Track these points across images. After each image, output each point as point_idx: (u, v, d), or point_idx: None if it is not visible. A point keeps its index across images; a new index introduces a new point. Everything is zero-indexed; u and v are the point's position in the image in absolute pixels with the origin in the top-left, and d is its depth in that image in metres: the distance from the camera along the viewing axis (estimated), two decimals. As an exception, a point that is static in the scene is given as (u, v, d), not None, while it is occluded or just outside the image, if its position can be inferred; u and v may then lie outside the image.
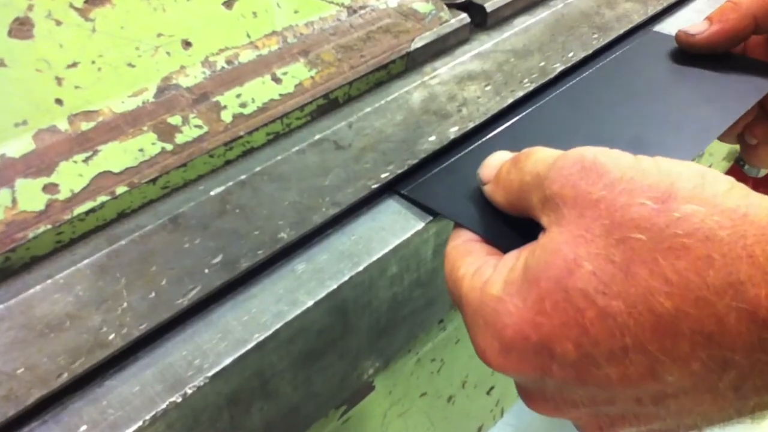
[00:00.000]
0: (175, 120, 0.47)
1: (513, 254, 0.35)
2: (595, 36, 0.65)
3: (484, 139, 0.52)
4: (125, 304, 0.38)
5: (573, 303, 0.29)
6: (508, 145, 0.47)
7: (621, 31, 0.66)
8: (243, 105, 0.50)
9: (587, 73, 0.60)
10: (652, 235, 0.28)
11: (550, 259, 0.31)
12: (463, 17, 0.62)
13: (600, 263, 0.29)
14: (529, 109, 0.55)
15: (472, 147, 0.51)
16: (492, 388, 0.91)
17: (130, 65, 0.47)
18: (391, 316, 0.49)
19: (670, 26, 0.70)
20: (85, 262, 0.41)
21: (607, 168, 0.31)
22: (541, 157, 0.35)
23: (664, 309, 0.27)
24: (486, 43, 0.63)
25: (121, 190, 0.44)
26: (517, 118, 0.54)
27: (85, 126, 0.44)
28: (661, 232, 0.28)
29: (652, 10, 0.70)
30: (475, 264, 0.37)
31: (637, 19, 0.68)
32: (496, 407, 0.97)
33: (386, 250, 0.44)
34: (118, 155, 0.44)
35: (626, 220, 0.29)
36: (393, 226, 0.45)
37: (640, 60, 0.61)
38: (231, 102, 0.49)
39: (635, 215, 0.29)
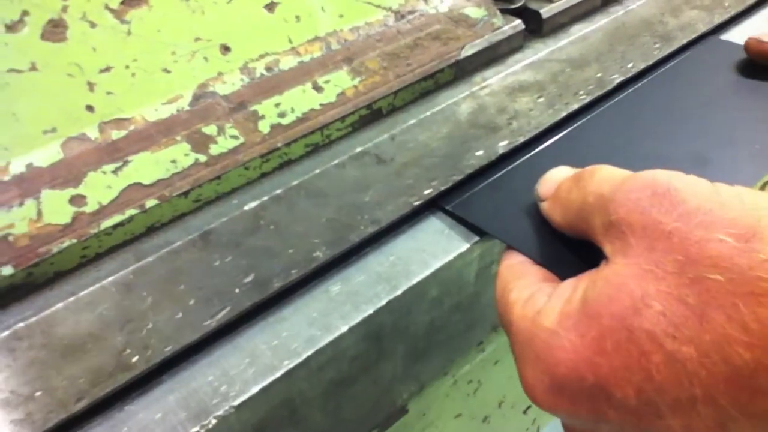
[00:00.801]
0: (210, 130, 0.45)
1: (570, 283, 0.33)
2: (657, 46, 0.61)
3: (534, 152, 0.50)
4: (150, 325, 0.37)
5: (638, 344, 0.27)
6: (560, 158, 0.45)
7: (684, 41, 0.63)
8: (282, 115, 0.48)
9: (646, 81, 0.57)
10: (732, 276, 0.26)
11: (614, 294, 0.29)
12: (517, 24, 0.60)
13: (671, 303, 0.27)
14: (583, 120, 0.53)
15: (521, 160, 0.48)
16: (529, 407, 0.89)
17: (166, 71, 0.46)
18: (428, 341, 0.47)
19: (736, 36, 0.66)
20: (111, 279, 0.39)
21: (683, 196, 0.29)
22: (606, 176, 0.33)
23: (742, 361, 0.25)
24: (540, 51, 0.61)
25: (151, 203, 0.43)
26: (570, 129, 0.52)
27: (116, 135, 0.43)
28: (742, 275, 0.26)
29: (718, 19, 0.66)
30: (528, 289, 0.35)
31: (702, 28, 0.65)
32: (533, 425, 0.95)
33: (426, 274, 0.42)
34: (150, 166, 0.43)
35: (703, 257, 0.27)
36: (434, 247, 0.43)
37: (704, 69, 0.59)
38: (269, 111, 0.48)
39: (713, 252, 0.27)
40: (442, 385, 0.63)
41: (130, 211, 0.42)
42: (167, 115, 0.45)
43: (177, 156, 0.44)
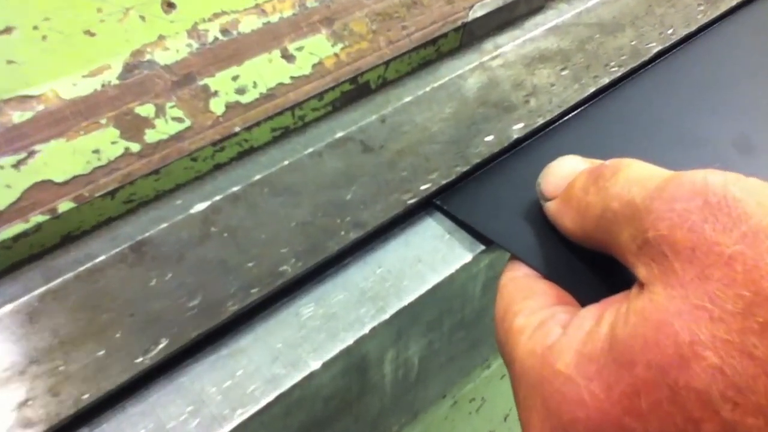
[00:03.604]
0: (146, 110, 0.42)
1: (592, 312, 0.30)
2: (702, 8, 0.58)
3: (551, 128, 0.48)
4: (62, 367, 0.33)
5: (683, 408, 0.24)
6: (580, 139, 0.46)
7: (733, 3, 0.59)
8: (241, 91, 0.45)
9: (686, 49, 0.55)
10: None
11: (653, 336, 0.26)
12: None
13: (732, 355, 0.24)
14: (611, 92, 0.51)
15: (531, 140, 0.47)
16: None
17: (88, 33, 0.41)
18: (424, 367, 0.46)
19: None
20: (10, 307, 0.36)
21: (746, 208, 0.26)
22: (636, 176, 0.31)
23: None
24: (566, 13, 0.58)
25: (65, 206, 0.39)
26: (595, 101, 0.50)
27: (18, 117, 0.39)
28: None
29: None
30: (537, 314, 0.32)
31: None
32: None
33: (422, 291, 0.39)
34: (64, 158, 0.39)
35: None
36: (432, 257, 0.41)
37: (754, 36, 0.57)
38: (224, 86, 0.44)
39: None
40: (440, 409, 0.62)
41: (37, 218, 0.38)
42: (89, 91, 0.41)
43: (101, 144, 0.40)
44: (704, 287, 0.25)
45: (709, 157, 0.45)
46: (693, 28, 0.56)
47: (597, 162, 0.35)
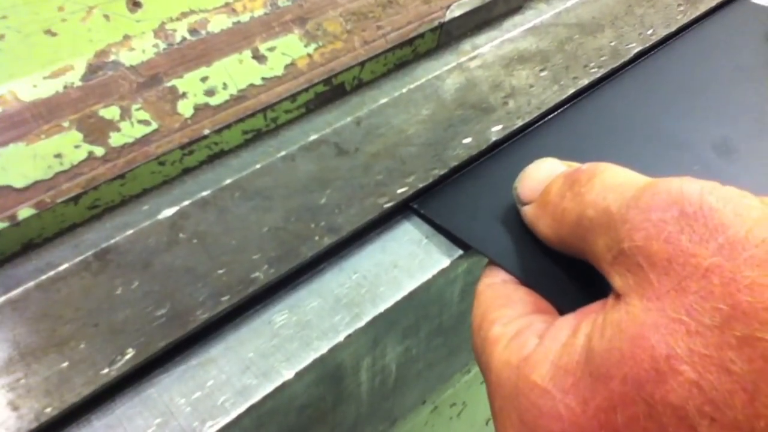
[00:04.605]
0: (110, 113, 0.41)
1: (569, 322, 0.29)
2: (681, 8, 0.58)
3: (530, 129, 0.48)
4: (23, 381, 0.33)
5: (660, 423, 0.24)
6: (560, 141, 0.45)
7: (712, 4, 0.59)
8: (210, 92, 0.44)
9: (666, 49, 0.55)
10: None
11: (629, 350, 0.25)
12: None
13: (709, 370, 0.24)
14: (591, 92, 0.51)
15: (510, 142, 0.47)
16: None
17: (49, 33, 0.41)
18: (401, 374, 0.45)
19: None
20: None
21: (723, 218, 0.25)
22: (612, 182, 0.30)
23: None
24: (545, 13, 0.58)
25: (25, 213, 0.38)
26: (575, 102, 0.50)
27: None
28: None
29: None
30: (514, 323, 0.32)
31: None
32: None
33: (398, 297, 0.38)
34: (24, 163, 0.39)
35: (757, 308, 0.23)
36: (409, 262, 0.40)
37: (733, 37, 0.57)
38: (193, 88, 0.44)
39: None
40: (420, 415, 0.61)
41: None
42: (51, 92, 0.40)
43: (64, 148, 0.39)
44: (681, 300, 0.25)
45: (688, 160, 0.44)
46: (673, 28, 0.56)
47: (574, 165, 0.34)
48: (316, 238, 0.39)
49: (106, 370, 0.33)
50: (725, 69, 0.52)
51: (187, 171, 0.44)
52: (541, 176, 0.36)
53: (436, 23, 0.53)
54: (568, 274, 0.35)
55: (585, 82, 0.50)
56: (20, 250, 0.39)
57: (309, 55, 0.48)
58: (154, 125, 0.42)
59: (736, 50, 0.54)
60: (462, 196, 0.43)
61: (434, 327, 0.44)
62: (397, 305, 0.38)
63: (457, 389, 0.64)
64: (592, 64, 0.51)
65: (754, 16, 0.58)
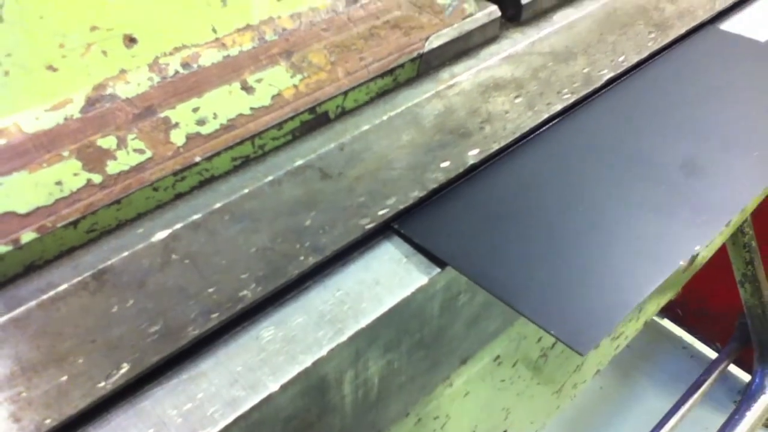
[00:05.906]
0: (107, 142, 0.42)
1: None
2: (652, 36, 0.59)
3: (506, 153, 0.48)
4: (24, 394, 0.33)
5: None
6: (535, 164, 0.46)
7: (683, 30, 0.61)
8: (201, 122, 0.45)
9: (637, 75, 0.56)
10: None
11: None
12: (492, 10, 0.58)
13: None
14: (565, 117, 0.52)
15: (486, 165, 0.48)
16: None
17: (51, 68, 0.41)
18: (384, 386, 0.46)
19: (737, 25, 0.65)
20: None
21: None
22: None
23: None
24: (519, 42, 0.59)
25: (28, 237, 0.39)
26: (549, 126, 0.51)
27: None
28: None
29: (720, 5, 0.64)
30: None
31: (703, 15, 0.63)
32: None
33: (379, 313, 0.39)
34: (26, 190, 0.39)
35: None
36: (390, 280, 0.41)
37: (701, 62, 0.58)
38: (185, 118, 0.44)
39: None
40: (404, 427, 0.61)
41: (0, 248, 0.38)
42: (52, 124, 0.41)
43: (64, 176, 0.40)
44: None
45: (656, 179, 0.45)
46: (644, 55, 0.57)
47: None
48: (302, 257, 0.40)
49: (102, 384, 0.34)
50: (694, 92, 0.54)
51: (179, 196, 0.44)
52: None
53: (415, 54, 0.54)
54: (544, 294, 0.36)
55: (558, 107, 0.51)
56: (23, 271, 0.39)
57: (295, 86, 0.49)
58: (149, 153, 0.43)
59: (704, 74, 0.56)
60: (441, 216, 0.44)
61: (415, 341, 0.45)
62: (379, 320, 0.39)
63: (441, 402, 0.64)
64: (565, 90, 0.52)
65: (723, 42, 0.60)
